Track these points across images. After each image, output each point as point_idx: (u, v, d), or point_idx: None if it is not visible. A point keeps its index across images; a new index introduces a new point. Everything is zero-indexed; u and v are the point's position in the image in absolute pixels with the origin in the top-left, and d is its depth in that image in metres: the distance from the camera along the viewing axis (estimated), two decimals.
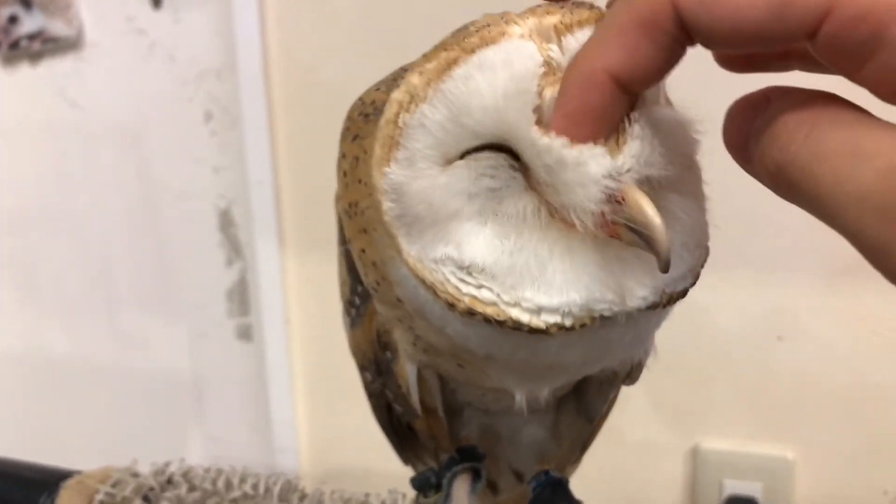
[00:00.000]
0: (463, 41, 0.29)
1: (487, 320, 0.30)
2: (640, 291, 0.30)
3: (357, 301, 0.45)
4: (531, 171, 0.29)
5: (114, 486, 0.59)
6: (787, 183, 0.25)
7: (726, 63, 0.31)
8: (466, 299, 0.31)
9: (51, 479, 0.62)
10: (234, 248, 1.34)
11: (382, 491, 0.60)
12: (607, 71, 0.25)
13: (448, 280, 0.31)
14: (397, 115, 0.31)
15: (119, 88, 1.37)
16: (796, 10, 0.23)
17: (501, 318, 0.30)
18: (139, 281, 1.44)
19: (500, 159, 0.30)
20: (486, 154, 0.30)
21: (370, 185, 0.32)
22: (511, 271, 0.30)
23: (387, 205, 0.31)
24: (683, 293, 0.32)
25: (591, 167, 0.27)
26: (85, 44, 1.38)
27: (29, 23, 1.39)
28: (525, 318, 0.30)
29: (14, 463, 0.65)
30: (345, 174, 0.35)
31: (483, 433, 0.57)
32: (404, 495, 0.54)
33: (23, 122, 1.46)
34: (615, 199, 0.28)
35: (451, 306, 0.31)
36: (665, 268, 0.27)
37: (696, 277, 0.33)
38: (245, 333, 1.36)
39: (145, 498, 0.57)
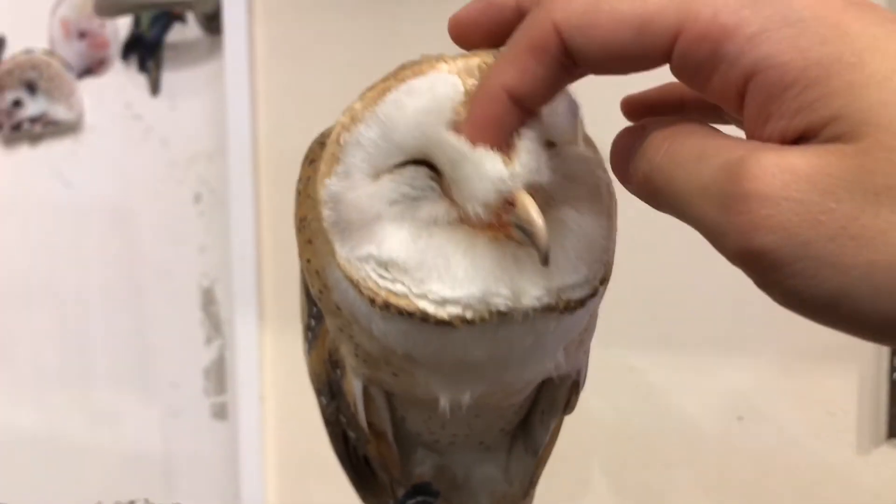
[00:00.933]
0: (398, 74, 0.35)
1: (401, 313, 0.34)
2: (533, 291, 0.34)
3: (312, 323, 0.48)
4: (444, 178, 0.34)
5: None
6: (652, 188, 0.29)
7: (630, 115, 0.37)
8: (383, 293, 0.35)
9: None
10: (215, 325, 1.36)
11: None
12: (504, 87, 0.30)
13: (370, 276, 0.35)
14: (339, 134, 0.36)
15: (112, 170, 1.44)
16: (654, 29, 0.27)
17: (411, 309, 0.34)
18: (117, 358, 1.46)
19: (420, 172, 0.35)
20: (409, 168, 0.35)
21: (315, 198, 0.37)
22: (421, 267, 0.34)
23: (325, 212, 0.36)
24: (580, 302, 0.35)
25: (486, 165, 0.32)
26: (84, 127, 1.45)
27: (32, 107, 1.46)
28: (431, 309, 0.34)
29: None
30: (299, 193, 0.40)
31: (437, 474, 0.58)
32: None
33: (17, 199, 1.51)
34: (508, 202, 0.32)
35: (372, 302, 0.35)
36: (544, 261, 0.32)
37: (595, 291, 0.36)
38: (220, 412, 1.37)
39: None
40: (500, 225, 0.33)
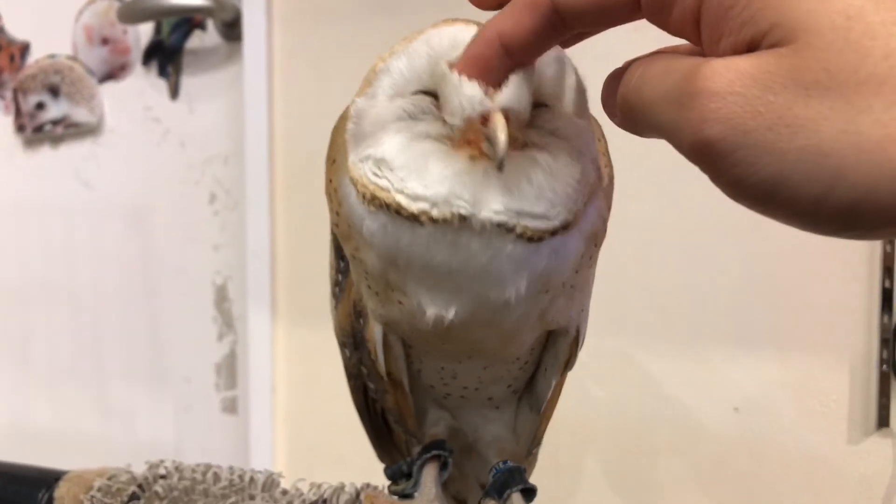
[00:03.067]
0: (430, 27, 0.43)
1: (382, 206, 0.41)
2: (493, 205, 0.40)
3: (340, 279, 0.53)
4: (441, 102, 0.41)
5: (110, 478, 0.64)
6: (628, 107, 0.34)
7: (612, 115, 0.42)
8: (372, 187, 0.41)
9: (49, 478, 0.66)
10: (227, 322, 1.40)
11: None
12: (497, 33, 0.36)
13: (366, 174, 0.42)
14: (376, 65, 0.44)
15: (130, 171, 1.48)
16: None
17: (389, 200, 0.40)
18: (130, 354, 1.50)
19: (426, 100, 0.42)
20: (419, 96, 0.42)
21: (341, 140, 0.45)
22: (404, 167, 0.41)
23: (349, 126, 0.44)
24: (540, 233, 0.41)
25: (465, 89, 0.39)
26: (104, 129, 1.50)
27: (55, 109, 1.51)
28: (404, 201, 0.40)
29: (12, 465, 0.70)
30: (331, 142, 0.47)
31: (450, 435, 0.62)
32: (377, 487, 0.59)
33: (37, 200, 1.56)
34: (483, 118, 0.39)
35: (364, 197, 0.42)
36: (499, 166, 0.38)
37: (553, 230, 0.41)
38: (230, 407, 1.41)
39: (139, 486, 0.62)
40: (476, 141, 0.40)
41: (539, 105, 0.42)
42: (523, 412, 0.61)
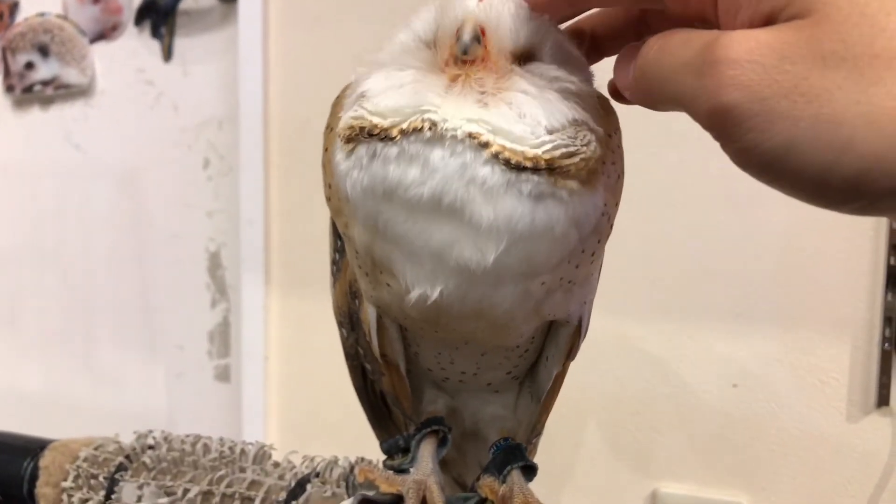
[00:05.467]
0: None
1: (357, 136, 0.39)
2: (466, 115, 0.38)
3: (337, 257, 0.51)
4: (437, 34, 0.40)
5: (96, 448, 0.62)
6: (644, 78, 0.34)
7: (616, 94, 0.41)
8: (350, 122, 0.39)
9: (35, 446, 0.65)
10: (220, 289, 1.38)
11: None
12: None
13: (348, 117, 0.40)
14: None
15: (122, 135, 1.45)
16: None
17: (364, 124, 0.39)
18: (122, 320, 1.48)
19: (423, 48, 0.41)
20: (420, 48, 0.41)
21: (346, 88, 0.43)
22: (381, 92, 0.39)
23: (348, 92, 0.42)
24: (518, 157, 0.37)
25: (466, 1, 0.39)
26: (95, 91, 1.47)
27: (44, 69, 1.48)
28: (377, 119, 0.38)
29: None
30: (333, 107, 0.45)
31: (448, 415, 0.61)
32: (371, 461, 0.57)
33: (27, 162, 1.53)
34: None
35: (344, 140, 0.40)
36: (463, 50, 0.38)
37: (538, 161, 0.38)
38: (223, 375, 1.39)
39: (126, 457, 0.60)
40: (453, 62, 0.39)
41: (534, 60, 0.40)
42: (524, 399, 0.59)
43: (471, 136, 0.37)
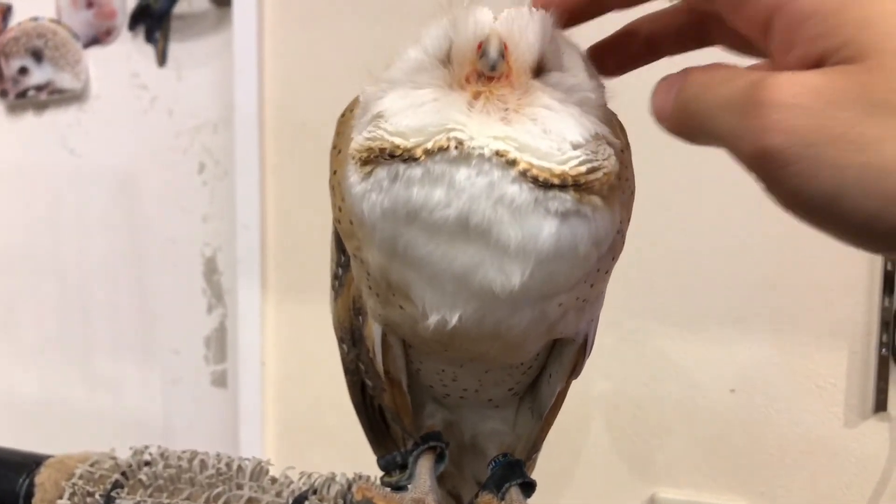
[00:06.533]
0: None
1: (377, 158, 0.38)
2: (492, 133, 0.37)
3: (340, 272, 0.50)
4: (451, 49, 0.39)
5: (92, 465, 0.62)
6: (688, 115, 0.33)
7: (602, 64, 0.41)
8: (367, 144, 0.38)
9: (31, 462, 0.65)
10: (216, 294, 1.38)
11: None
12: None
13: (365, 138, 0.38)
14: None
15: (117, 139, 1.45)
16: None
17: (385, 146, 0.37)
18: (118, 325, 1.47)
19: (438, 65, 0.40)
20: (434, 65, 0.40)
21: (353, 107, 0.43)
22: (399, 112, 0.38)
23: (357, 112, 0.41)
24: (546, 174, 0.37)
25: (477, 12, 0.38)
26: (89, 96, 1.46)
27: (38, 74, 1.47)
28: (399, 140, 0.37)
29: None
30: (338, 126, 0.43)
31: (446, 429, 0.60)
32: (369, 477, 0.57)
33: (22, 167, 1.52)
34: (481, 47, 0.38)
35: (360, 163, 0.39)
36: (492, 66, 0.37)
37: (566, 178, 0.37)
38: (220, 380, 1.39)
39: (122, 474, 0.60)
40: (474, 78, 0.38)
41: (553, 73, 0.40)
42: (524, 415, 0.59)
43: (498, 153, 0.36)
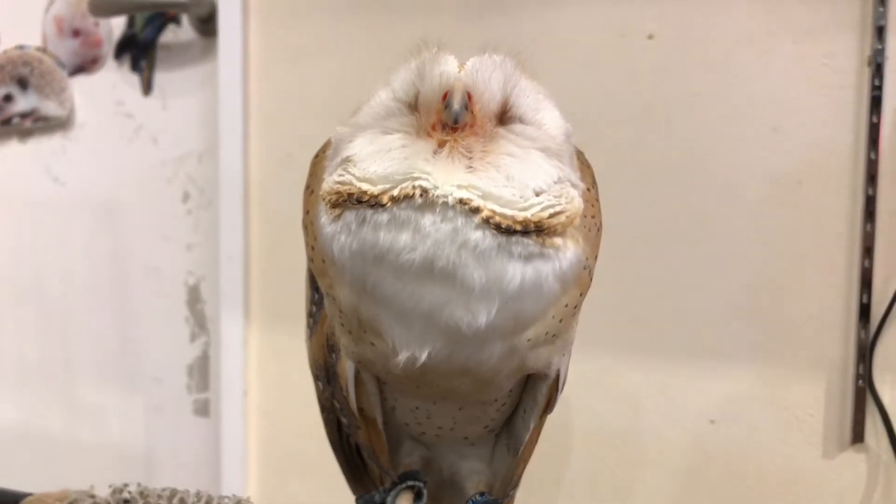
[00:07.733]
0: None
1: (345, 201, 0.39)
2: (456, 182, 0.38)
3: (314, 310, 0.51)
4: (418, 98, 0.41)
5: (72, 503, 0.62)
6: None
7: None
8: (336, 187, 0.40)
9: (9, 500, 0.64)
10: (199, 323, 1.38)
11: None
12: None
13: (334, 181, 0.40)
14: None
15: (101, 168, 1.45)
16: None
17: (352, 191, 0.39)
18: (101, 353, 1.47)
19: (406, 111, 0.42)
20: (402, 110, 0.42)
21: (325, 148, 0.45)
22: (367, 157, 0.40)
23: (329, 153, 0.43)
24: (508, 221, 0.39)
25: (444, 63, 0.40)
26: (74, 124, 1.46)
27: (23, 102, 1.47)
28: (366, 186, 0.39)
29: None
30: (310, 175, 0.45)
31: (424, 466, 0.61)
32: None
33: (5, 194, 1.51)
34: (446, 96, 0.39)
35: (328, 204, 0.40)
36: (454, 119, 0.39)
37: (528, 224, 0.39)
38: (202, 409, 1.38)
39: None
40: (440, 126, 0.40)
41: (516, 121, 0.41)
42: (500, 452, 0.59)
43: (461, 202, 0.38)
